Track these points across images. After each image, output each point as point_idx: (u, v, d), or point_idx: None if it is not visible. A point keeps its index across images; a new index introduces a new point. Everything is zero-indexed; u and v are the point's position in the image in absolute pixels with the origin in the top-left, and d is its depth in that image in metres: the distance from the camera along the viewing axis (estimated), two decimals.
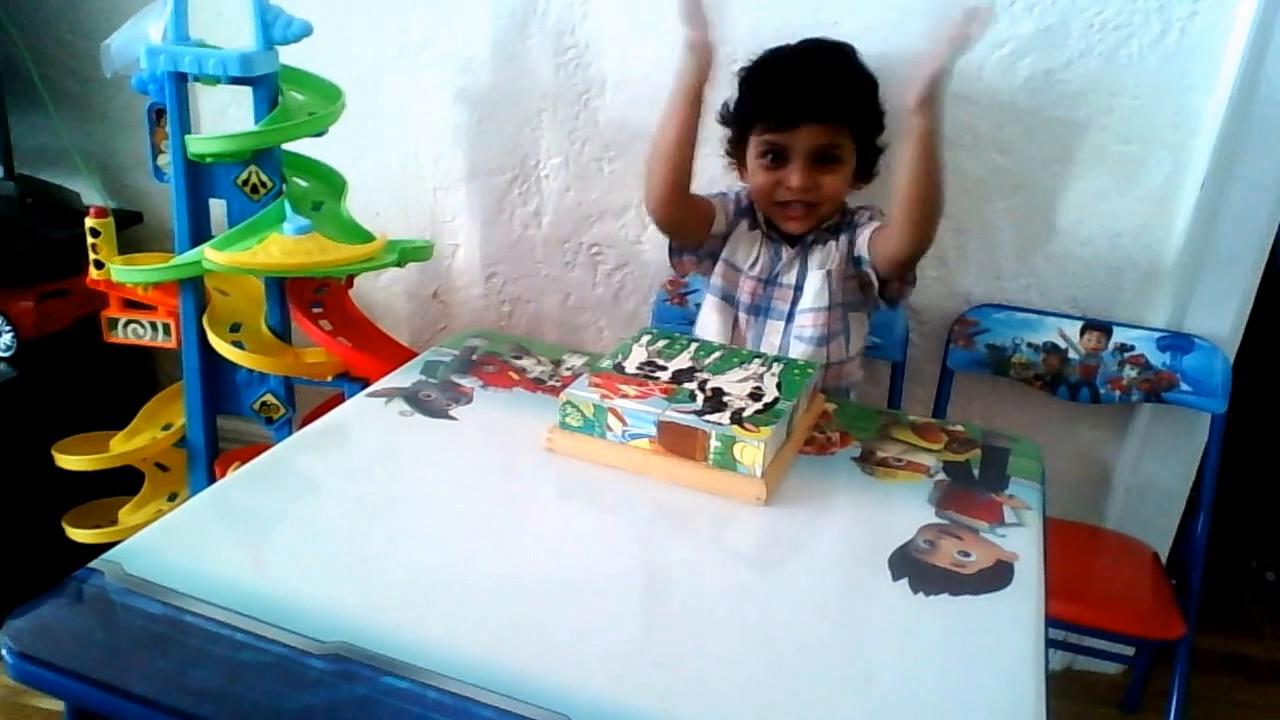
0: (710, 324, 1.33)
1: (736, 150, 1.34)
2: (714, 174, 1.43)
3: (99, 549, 0.82)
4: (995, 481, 1.02)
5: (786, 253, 1.31)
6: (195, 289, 1.46)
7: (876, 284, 1.27)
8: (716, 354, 1.12)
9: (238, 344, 1.43)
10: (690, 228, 1.31)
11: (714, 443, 0.95)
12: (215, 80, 1.35)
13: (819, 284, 1.28)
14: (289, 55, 1.39)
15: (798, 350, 1.27)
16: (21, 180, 1.71)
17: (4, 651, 0.72)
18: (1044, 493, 1.02)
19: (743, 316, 1.33)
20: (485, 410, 1.12)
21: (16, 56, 1.75)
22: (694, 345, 1.14)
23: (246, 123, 1.38)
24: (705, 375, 1.06)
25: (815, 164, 1.24)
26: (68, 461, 1.52)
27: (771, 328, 1.31)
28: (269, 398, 1.50)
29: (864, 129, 1.28)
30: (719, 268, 1.33)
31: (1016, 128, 1.41)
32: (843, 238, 1.29)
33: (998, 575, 0.86)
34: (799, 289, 1.30)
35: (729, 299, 1.33)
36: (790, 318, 1.30)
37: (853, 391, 1.37)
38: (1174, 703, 1.40)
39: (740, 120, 1.31)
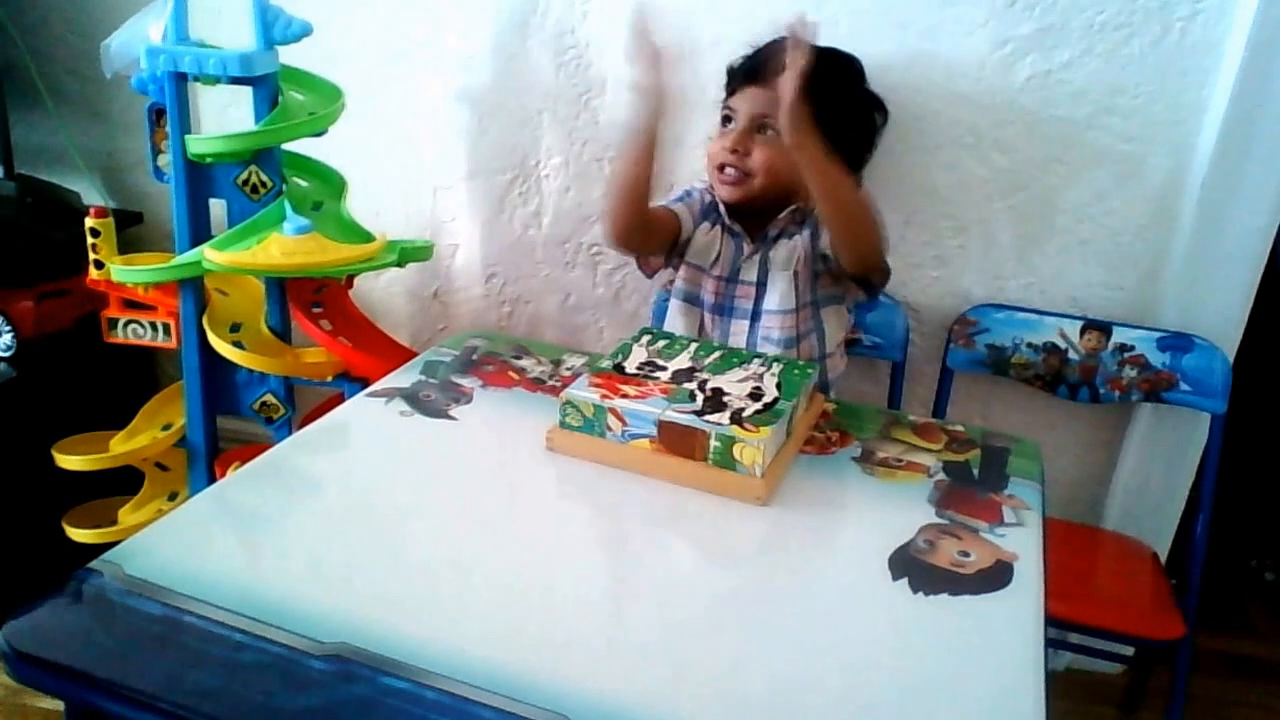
0: (676, 328, 1.32)
1: None
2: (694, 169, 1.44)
3: (99, 549, 0.82)
4: (995, 481, 1.02)
5: (747, 247, 1.29)
6: (195, 289, 1.47)
7: (848, 278, 1.27)
8: (716, 354, 1.12)
9: (238, 344, 1.43)
10: (652, 247, 1.32)
11: (714, 443, 0.95)
12: (215, 80, 1.35)
13: (785, 285, 1.27)
14: (289, 55, 1.39)
15: (766, 351, 1.26)
16: (21, 180, 1.71)
17: (4, 651, 0.72)
18: (1044, 493, 1.02)
19: (708, 317, 1.31)
20: (485, 410, 1.12)
21: (16, 56, 1.75)
22: (694, 345, 1.14)
23: (246, 123, 1.38)
24: (705, 375, 1.06)
25: (754, 132, 1.23)
26: (68, 461, 1.52)
27: (737, 327, 1.30)
28: (269, 398, 1.50)
29: (824, 115, 1.17)
30: (682, 270, 1.32)
31: (1016, 127, 1.41)
32: (806, 233, 1.27)
33: (998, 575, 0.86)
34: (761, 285, 1.28)
35: (693, 300, 1.32)
36: (755, 316, 1.29)
37: (833, 387, 1.35)
38: (1174, 703, 1.40)
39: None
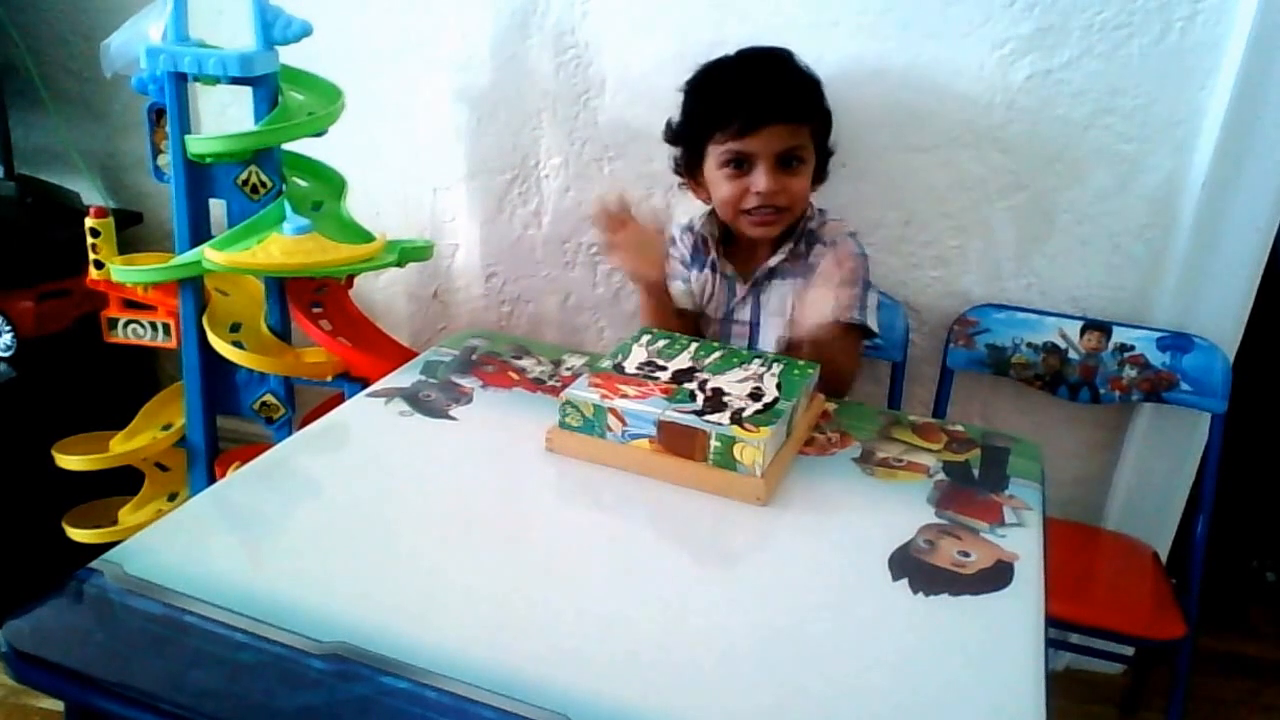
0: None
1: (688, 168, 1.31)
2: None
3: (99, 549, 0.82)
4: (995, 481, 1.02)
5: (740, 289, 1.31)
6: (195, 289, 1.47)
7: None
8: (716, 354, 1.12)
9: (238, 344, 1.43)
10: None
11: (714, 443, 0.95)
12: (215, 80, 1.35)
13: (781, 330, 1.28)
14: (289, 55, 1.39)
15: None
16: (21, 180, 1.71)
17: (4, 651, 0.72)
18: (1044, 493, 1.02)
19: None
20: (485, 410, 1.12)
21: (16, 56, 1.75)
22: (694, 345, 1.14)
23: (246, 123, 1.38)
24: (705, 375, 1.06)
25: (780, 167, 1.22)
26: (68, 461, 1.52)
27: None
28: (269, 398, 1.50)
29: (821, 129, 1.27)
30: None
31: (1016, 127, 1.41)
32: (798, 280, 1.27)
33: (998, 575, 0.86)
34: (755, 326, 1.30)
35: None
36: None
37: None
38: (1174, 703, 1.40)
39: (694, 134, 1.27)
